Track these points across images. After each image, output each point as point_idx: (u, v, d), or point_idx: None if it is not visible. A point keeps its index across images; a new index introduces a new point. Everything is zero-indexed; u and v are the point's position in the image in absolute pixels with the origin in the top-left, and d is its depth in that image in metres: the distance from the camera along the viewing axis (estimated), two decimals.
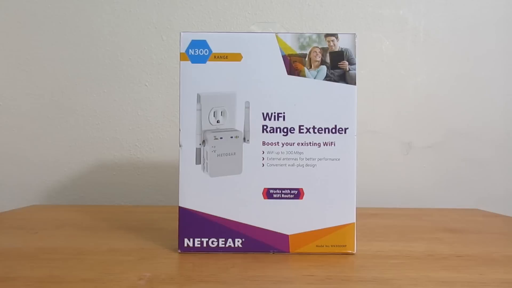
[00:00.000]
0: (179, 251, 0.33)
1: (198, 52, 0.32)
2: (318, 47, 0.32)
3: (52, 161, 0.66)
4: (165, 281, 0.26)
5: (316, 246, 0.33)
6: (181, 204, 0.33)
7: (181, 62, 0.32)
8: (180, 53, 0.32)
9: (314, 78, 0.32)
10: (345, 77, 0.33)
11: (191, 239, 0.33)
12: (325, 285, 0.26)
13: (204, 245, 0.33)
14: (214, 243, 0.33)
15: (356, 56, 0.33)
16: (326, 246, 0.33)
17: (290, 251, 0.33)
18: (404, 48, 0.67)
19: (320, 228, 0.33)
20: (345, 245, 0.33)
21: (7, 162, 0.66)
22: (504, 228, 0.45)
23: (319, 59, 0.32)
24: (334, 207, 0.33)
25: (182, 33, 0.33)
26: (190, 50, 0.32)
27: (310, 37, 0.32)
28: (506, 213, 0.58)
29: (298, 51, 0.32)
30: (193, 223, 0.33)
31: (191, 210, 0.33)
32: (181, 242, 0.33)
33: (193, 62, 0.32)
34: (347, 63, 0.32)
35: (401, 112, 0.67)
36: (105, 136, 0.66)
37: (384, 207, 0.63)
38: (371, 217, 0.51)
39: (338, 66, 0.32)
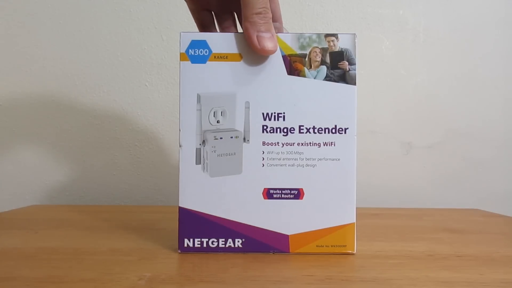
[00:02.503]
0: (179, 251, 0.33)
1: (198, 52, 0.32)
2: (318, 47, 0.32)
3: (52, 161, 0.66)
4: (165, 281, 0.26)
5: (316, 246, 0.33)
6: (181, 204, 0.33)
7: (181, 62, 0.32)
8: (180, 53, 0.32)
9: (314, 78, 0.32)
10: (345, 77, 0.32)
11: (191, 239, 0.33)
12: (325, 285, 0.26)
13: (204, 245, 0.33)
14: (214, 243, 0.33)
15: (356, 56, 0.33)
16: (326, 246, 0.33)
17: (290, 251, 0.33)
18: (404, 48, 0.67)
19: (320, 228, 0.33)
20: (345, 245, 0.33)
21: (7, 162, 0.66)
22: (504, 228, 0.45)
23: (319, 59, 0.32)
24: (334, 207, 0.33)
25: (182, 33, 0.32)
26: (190, 50, 0.32)
27: (310, 37, 0.32)
28: (506, 213, 0.58)
29: (298, 51, 0.32)
30: (193, 223, 0.33)
31: (191, 210, 0.33)
32: (181, 242, 0.33)
33: (193, 62, 0.32)
34: (347, 63, 0.32)
35: (401, 112, 0.67)
36: (105, 136, 0.66)
37: (384, 207, 0.63)
38: (371, 217, 0.51)
39: (338, 66, 0.32)
